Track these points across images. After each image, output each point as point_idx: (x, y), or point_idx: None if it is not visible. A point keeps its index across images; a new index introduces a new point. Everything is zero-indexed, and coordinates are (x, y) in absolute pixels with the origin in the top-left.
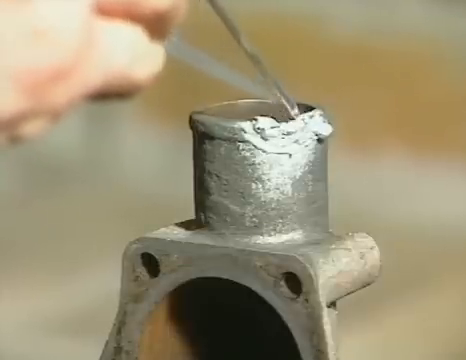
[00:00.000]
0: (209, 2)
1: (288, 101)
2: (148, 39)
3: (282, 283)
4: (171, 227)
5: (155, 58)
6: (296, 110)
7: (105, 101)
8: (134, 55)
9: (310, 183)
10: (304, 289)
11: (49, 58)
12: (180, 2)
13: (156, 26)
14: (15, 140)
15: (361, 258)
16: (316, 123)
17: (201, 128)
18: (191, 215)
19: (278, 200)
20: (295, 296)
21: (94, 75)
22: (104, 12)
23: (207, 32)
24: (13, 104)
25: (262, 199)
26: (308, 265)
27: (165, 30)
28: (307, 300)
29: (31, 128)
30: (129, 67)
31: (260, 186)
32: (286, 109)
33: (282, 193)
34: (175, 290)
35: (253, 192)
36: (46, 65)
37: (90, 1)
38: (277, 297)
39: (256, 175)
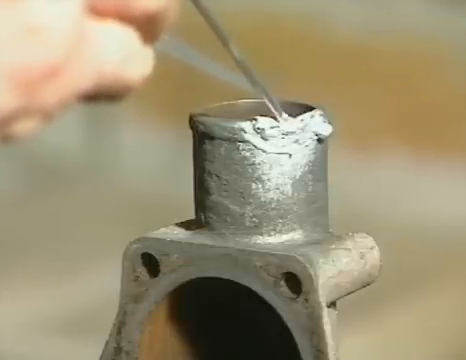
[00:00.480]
0: (197, 8)
1: (275, 107)
2: (139, 40)
3: (282, 283)
4: (171, 227)
5: (146, 60)
6: (284, 116)
7: (97, 102)
8: (126, 55)
9: (310, 183)
10: (304, 289)
11: (42, 56)
12: (171, 4)
13: (147, 28)
14: (6, 139)
15: (361, 258)
16: (316, 123)
17: (201, 128)
18: (191, 215)
19: (278, 200)
20: (295, 296)
21: (86, 74)
22: (96, 12)
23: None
24: (5, 102)
25: (262, 199)
26: (308, 265)
27: (156, 32)
28: (307, 300)
29: (23, 127)
30: (120, 67)
31: (260, 186)
32: (273, 115)
33: (282, 193)
34: (175, 290)
35: (253, 192)
36: (38, 63)
37: (83, 0)
38: (277, 297)
39: (256, 175)
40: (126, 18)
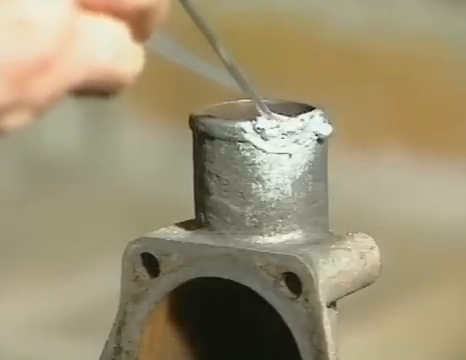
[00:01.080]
0: (185, 8)
1: (262, 109)
2: (131, 37)
3: (282, 283)
4: (171, 227)
5: (137, 57)
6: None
7: (88, 97)
8: (117, 51)
9: (310, 183)
10: (304, 289)
11: (33, 50)
12: (162, 0)
13: (138, 24)
14: None
15: (361, 258)
16: (316, 123)
17: (201, 128)
18: (191, 215)
19: (278, 200)
20: (295, 296)
21: (77, 69)
22: (87, 7)
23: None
24: None
25: (262, 199)
26: (308, 265)
27: (147, 29)
28: (307, 300)
29: (13, 121)
30: (112, 63)
31: (260, 186)
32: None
33: (282, 193)
34: (175, 290)
35: (253, 192)
36: (30, 57)
37: None
38: (277, 297)
39: (256, 175)
40: (117, 14)
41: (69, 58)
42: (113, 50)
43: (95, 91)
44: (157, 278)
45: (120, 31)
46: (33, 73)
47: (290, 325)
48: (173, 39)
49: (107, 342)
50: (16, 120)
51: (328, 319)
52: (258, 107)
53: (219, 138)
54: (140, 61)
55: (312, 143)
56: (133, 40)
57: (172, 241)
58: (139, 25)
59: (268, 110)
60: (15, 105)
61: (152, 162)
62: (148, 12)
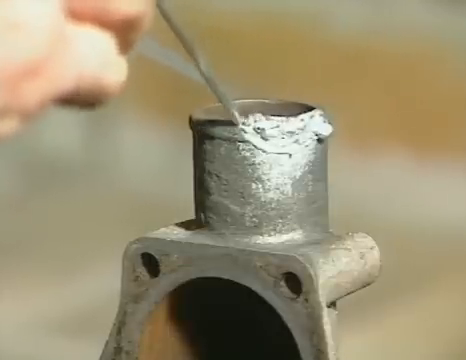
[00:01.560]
0: (169, 24)
1: (233, 117)
2: (116, 47)
3: (282, 283)
4: (171, 227)
5: (122, 67)
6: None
7: (74, 107)
8: (105, 61)
9: (310, 183)
10: (304, 289)
11: (23, 53)
12: (147, 11)
13: (124, 34)
14: None
15: (361, 258)
16: (316, 123)
17: (201, 128)
18: (191, 215)
19: (278, 200)
20: (295, 296)
21: (66, 75)
22: (75, 16)
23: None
24: None
25: (262, 199)
26: (308, 265)
27: (132, 39)
28: (307, 300)
29: (2, 127)
30: (99, 72)
31: (260, 186)
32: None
33: (282, 193)
34: (175, 290)
35: (253, 192)
36: (20, 60)
37: (63, 2)
38: (277, 297)
39: (256, 175)
40: (104, 24)
41: (59, 63)
42: (100, 59)
43: (81, 100)
44: (157, 278)
45: (106, 41)
46: (23, 77)
47: (290, 325)
48: (162, 43)
49: (107, 342)
50: (5, 126)
51: (328, 319)
52: (228, 111)
53: (219, 138)
54: (124, 71)
55: (312, 143)
56: (118, 50)
57: (172, 241)
58: (124, 35)
59: (237, 117)
60: (5, 110)
61: (152, 162)
62: (134, 22)
